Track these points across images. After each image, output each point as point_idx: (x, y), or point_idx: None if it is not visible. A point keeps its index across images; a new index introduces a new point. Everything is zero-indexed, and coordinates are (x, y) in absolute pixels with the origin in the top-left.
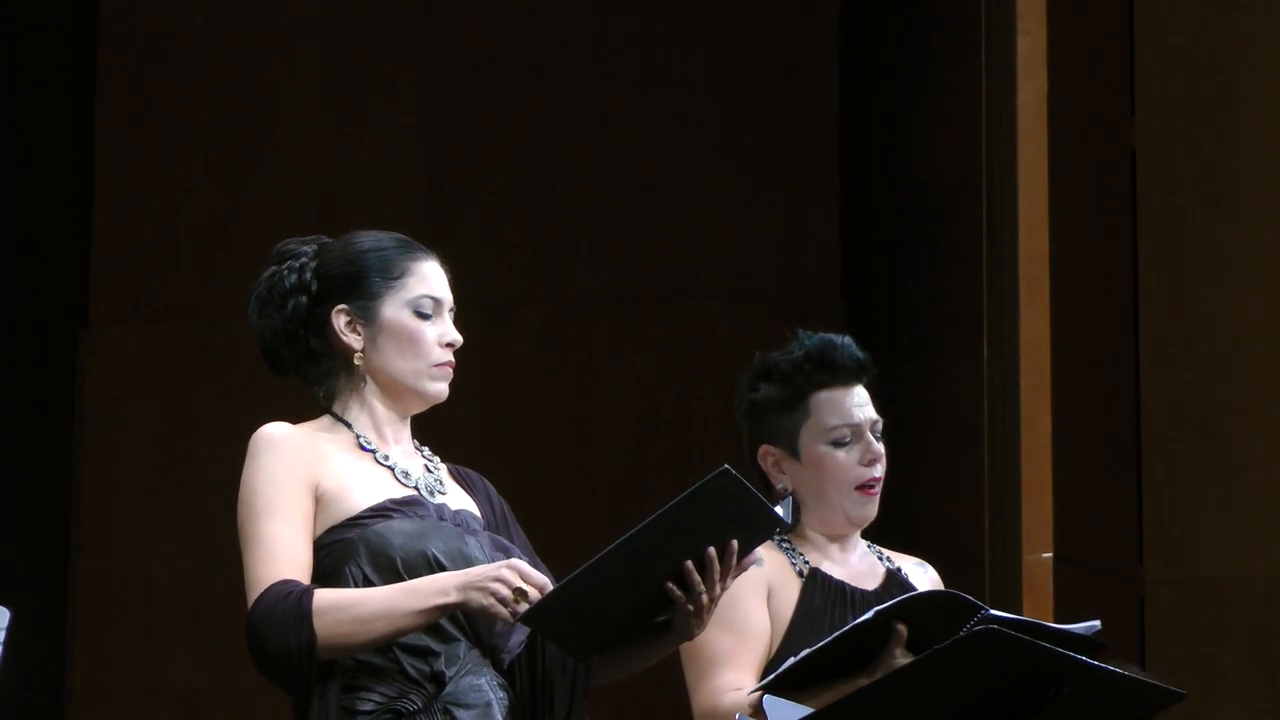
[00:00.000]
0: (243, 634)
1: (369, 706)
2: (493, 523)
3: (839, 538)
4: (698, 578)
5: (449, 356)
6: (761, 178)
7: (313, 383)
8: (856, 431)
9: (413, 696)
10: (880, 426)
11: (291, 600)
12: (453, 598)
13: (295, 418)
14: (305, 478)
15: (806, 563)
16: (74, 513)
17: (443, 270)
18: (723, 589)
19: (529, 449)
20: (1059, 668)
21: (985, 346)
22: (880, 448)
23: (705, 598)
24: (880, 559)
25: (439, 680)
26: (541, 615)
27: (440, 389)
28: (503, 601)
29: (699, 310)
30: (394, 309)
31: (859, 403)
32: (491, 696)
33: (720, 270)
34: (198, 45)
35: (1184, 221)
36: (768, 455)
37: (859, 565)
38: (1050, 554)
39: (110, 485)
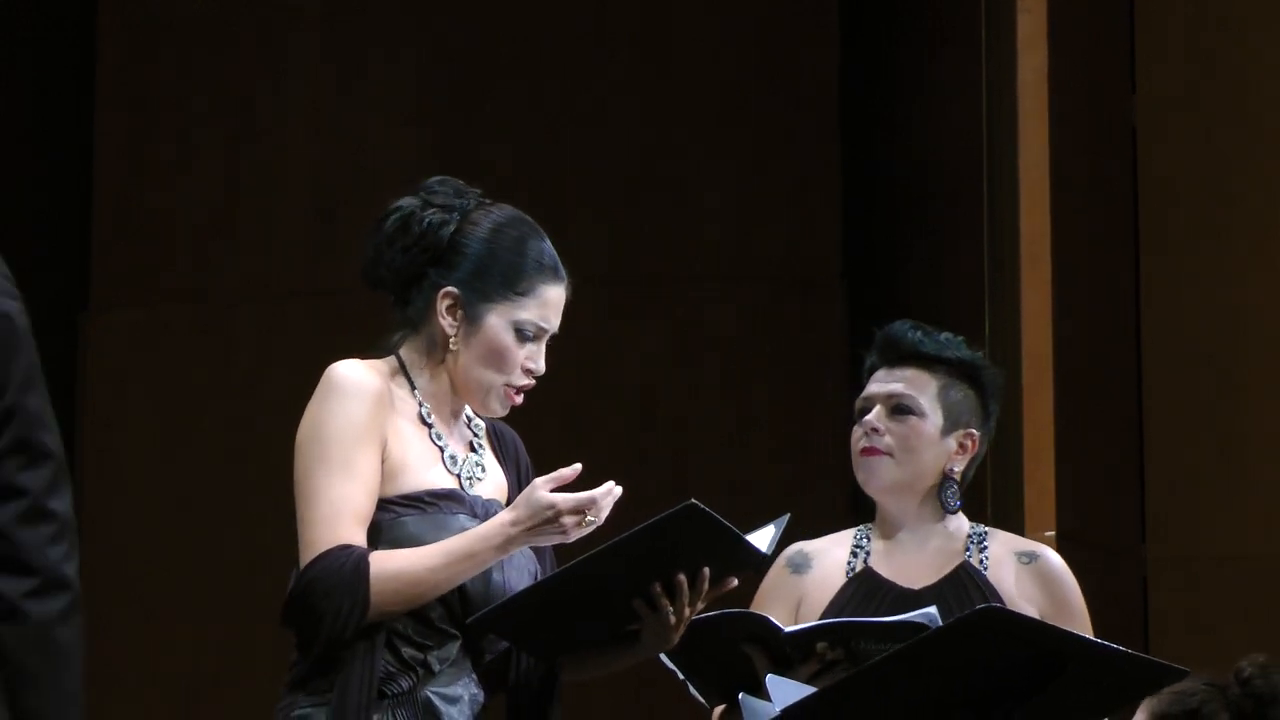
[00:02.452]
0: (250, 608)
1: None
2: (517, 495)
3: (906, 525)
4: (665, 601)
5: (527, 381)
6: (762, 158)
7: (397, 320)
8: (867, 405)
9: (400, 681)
10: (902, 401)
11: (349, 566)
12: (513, 549)
13: (297, 402)
14: (380, 435)
15: (867, 559)
16: (75, 496)
17: (565, 294)
18: (693, 612)
19: (529, 429)
20: (1062, 646)
21: (987, 325)
22: (877, 421)
23: (673, 618)
24: (970, 548)
25: (427, 669)
26: (492, 623)
27: (498, 411)
28: (575, 526)
29: (700, 291)
30: (498, 320)
31: (882, 379)
32: (465, 693)
33: (721, 251)
34: (198, 30)
35: (1185, 199)
36: None
37: (929, 556)
38: (1052, 533)
39: (111, 469)
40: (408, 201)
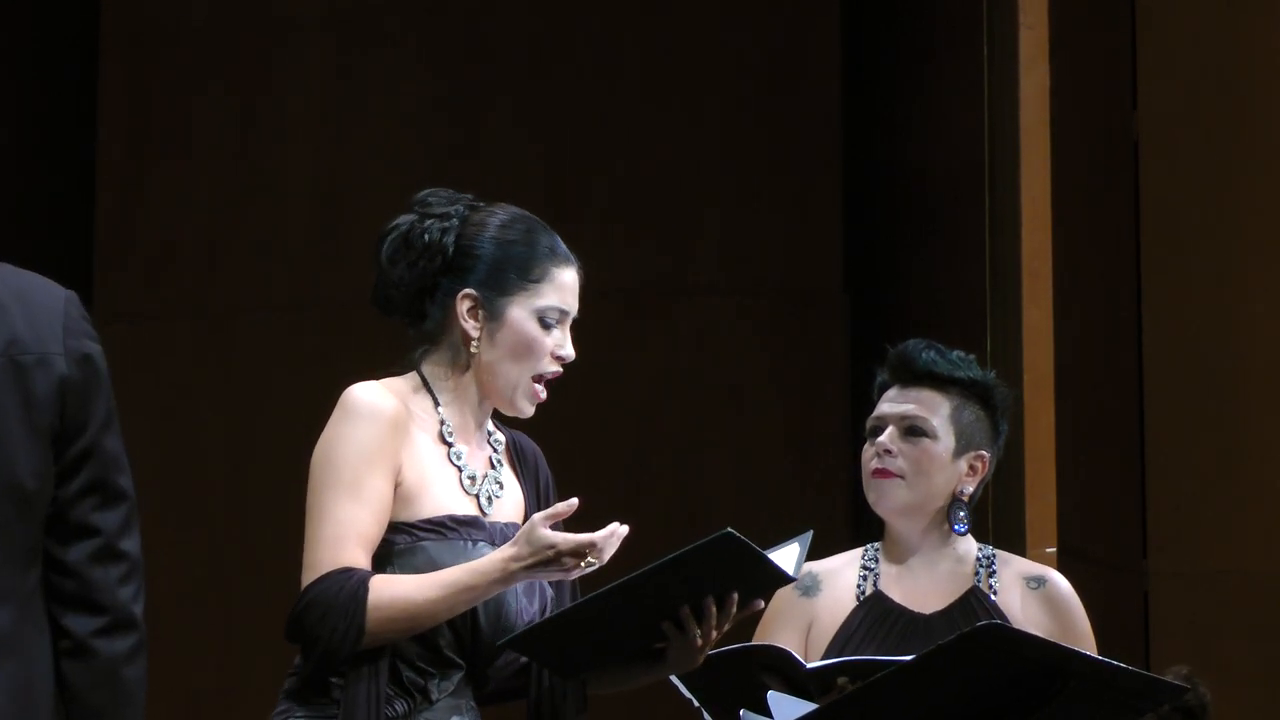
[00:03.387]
0: (250, 618)
1: None
2: (535, 512)
3: (915, 548)
4: (694, 624)
5: (556, 369)
6: (764, 172)
7: (414, 338)
8: (880, 425)
9: (395, 705)
10: (916, 423)
11: (347, 591)
12: (513, 584)
13: (299, 413)
14: (393, 460)
15: (876, 581)
16: None
17: (578, 278)
18: (720, 635)
19: (534, 440)
20: (1063, 662)
21: (988, 340)
22: (889, 442)
23: (699, 640)
24: (979, 573)
25: (425, 696)
26: (525, 644)
27: (527, 410)
28: (575, 567)
29: (702, 304)
30: (521, 312)
31: (894, 399)
32: None
33: (723, 264)
34: (201, 41)
35: (1187, 214)
36: None
37: (939, 580)
38: (1054, 548)
39: None
40: (404, 219)
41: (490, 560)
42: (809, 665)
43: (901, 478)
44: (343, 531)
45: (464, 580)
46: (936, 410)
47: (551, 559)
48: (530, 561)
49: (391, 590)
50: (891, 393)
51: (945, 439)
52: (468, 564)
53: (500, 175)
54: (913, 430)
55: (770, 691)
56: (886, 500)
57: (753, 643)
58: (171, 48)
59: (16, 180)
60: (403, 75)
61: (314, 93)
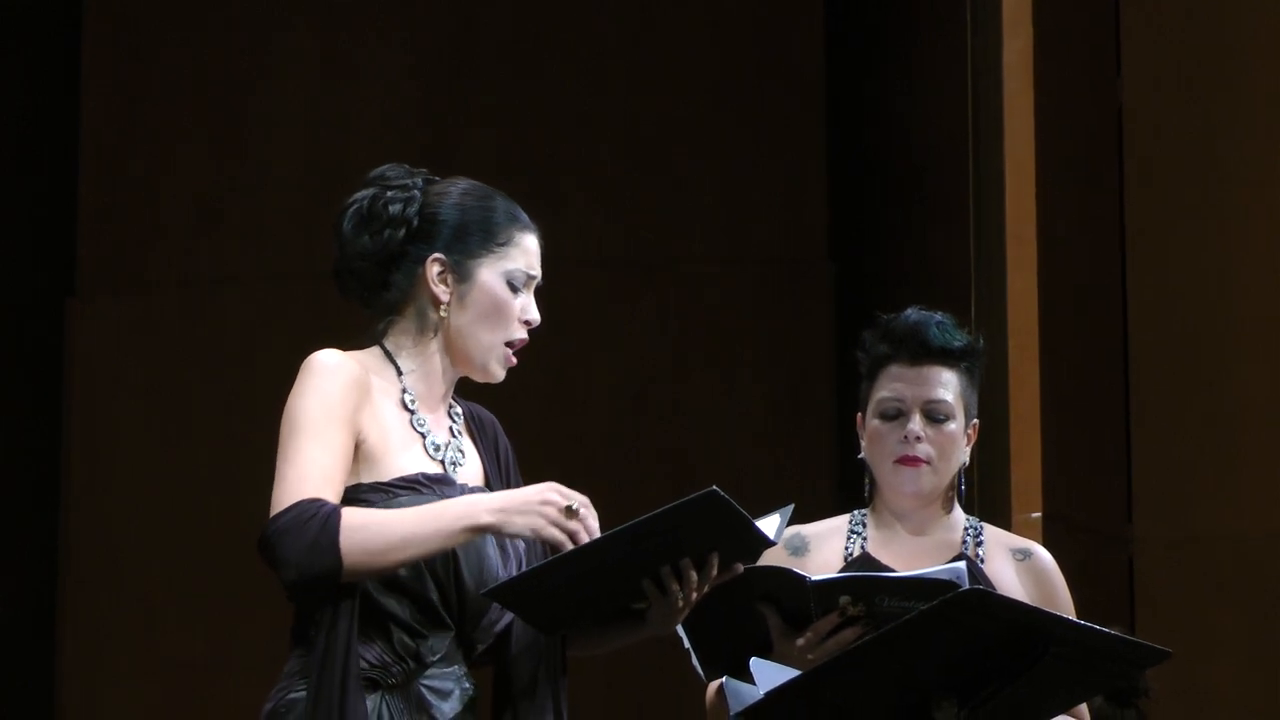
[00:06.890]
0: (241, 592)
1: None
2: (495, 480)
3: (909, 512)
4: (675, 585)
5: (524, 334)
6: (749, 143)
7: (376, 312)
8: (903, 407)
9: (394, 670)
10: (940, 408)
11: (318, 519)
12: (484, 520)
13: (286, 386)
14: (352, 416)
15: (864, 545)
16: (64, 483)
17: (540, 244)
18: (700, 596)
19: (519, 414)
20: (1046, 627)
21: (973, 307)
22: (918, 429)
23: (680, 600)
24: (966, 541)
25: (420, 660)
26: (508, 594)
27: (499, 374)
28: (555, 523)
29: (688, 275)
30: (490, 274)
31: (917, 380)
32: (456, 688)
33: (709, 235)
34: (185, 10)
35: (1171, 178)
36: (858, 423)
37: (928, 546)
38: (1039, 514)
39: (100, 455)
40: (363, 193)
41: (462, 499)
42: (812, 579)
43: (929, 463)
44: (308, 471)
45: (435, 510)
46: (950, 388)
47: (545, 496)
48: (518, 499)
49: (364, 515)
50: (899, 370)
51: (959, 417)
52: (440, 503)
53: (488, 146)
54: (937, 414)
55: (752, 659)
56: (915, 487)
57: (750, 566)
58: (156, 17)
59: (0, 155)
60: (394, 43)
61: (302, 71)
